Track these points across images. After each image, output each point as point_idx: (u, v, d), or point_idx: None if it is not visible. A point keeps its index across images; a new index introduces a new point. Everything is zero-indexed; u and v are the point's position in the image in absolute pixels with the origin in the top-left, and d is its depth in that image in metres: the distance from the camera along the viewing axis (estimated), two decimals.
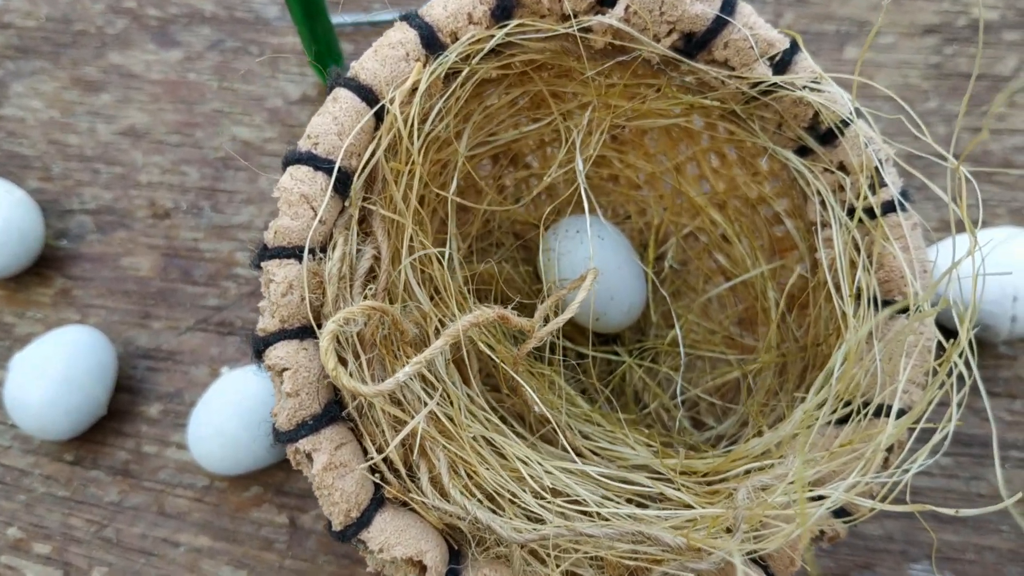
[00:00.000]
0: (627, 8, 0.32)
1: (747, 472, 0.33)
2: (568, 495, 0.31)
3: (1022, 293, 0.45)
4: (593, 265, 0.37)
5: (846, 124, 0.33)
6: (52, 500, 0.50)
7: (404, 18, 0.32)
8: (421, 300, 0.34)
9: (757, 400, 0.42)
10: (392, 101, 0.31)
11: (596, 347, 0.46)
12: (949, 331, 0.49)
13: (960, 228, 0.53)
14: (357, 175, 0.31)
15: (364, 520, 0.29)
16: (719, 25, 0.32)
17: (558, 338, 0.40)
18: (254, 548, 0.48)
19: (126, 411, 0.52)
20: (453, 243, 0.39)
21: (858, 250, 0.34)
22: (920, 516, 0.46)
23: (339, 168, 0.30)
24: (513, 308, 0.33)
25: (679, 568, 0.29)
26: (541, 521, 0.30)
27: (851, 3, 0.62)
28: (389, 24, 0.33)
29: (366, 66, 0.31)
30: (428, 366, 0.33)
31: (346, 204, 0.32)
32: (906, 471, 0.28)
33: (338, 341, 0.30)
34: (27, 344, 0.49)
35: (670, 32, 0.33)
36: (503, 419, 0.37)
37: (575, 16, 0.33)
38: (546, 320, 0.34)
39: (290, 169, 0.30)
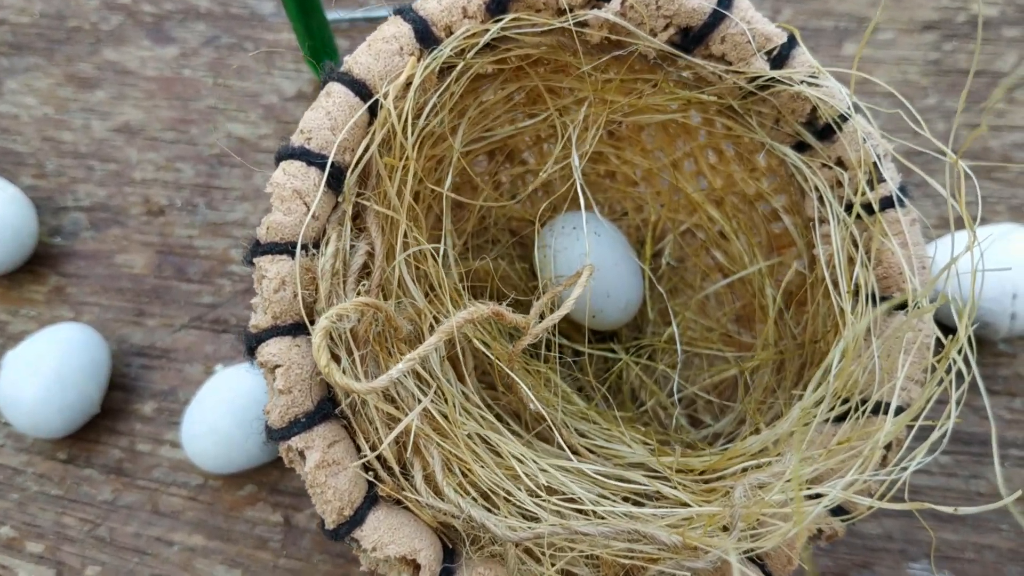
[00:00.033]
0: (623, 2, 0.32)
1: (744, 470, 0.32)
2: (564, 493, 0.31)
3: (1022, 290, 0.45)
4: (589, 261, 0.36)
5: (844, 119, 0.33)
6: (45, 499, 0.50)
7: (398, 12, 0.32)
8: (416, 297, 0.34)
9: (755, 398, 0.41)
10: (386, 96, 0.31)
11: (592, 344, 0.46)
12: (949, 329, 0.48)
13: (959, 225, 0.53)
14: (351, 170, 0.31)
15: (357, 518, 0.29)
16: (716, 19, 0.32)
17: (554, 335, 0.39)
18: (248, 547, 0.47)
19: (120, 409, 0.52)
20: (448, 240, 0.39)
21: (856, 246, 0.33)
22: (919, 515, 0.46)
23: (332, 163, 0.30)
24: (509, 305, 0.32)
25: (675, 567, 0.29)
26: (536, 519, 0.30)
27: None
28: (385, 19, 0.33)
29: (360, 60, 0.31)
30: (422, 363, 0.33)
31: (340, 200, 0.31)
32: (904, 469, 0.28)
33: (331, 338, 0.30)
34: (20, 342, 0.49)
35: (667, 26, 0.33)
36: (498, 417, 0.37)
37: (571, 10, 0.32)
38: (541, 317, 0.34)
39: (283, 164, 0.30)
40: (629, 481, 0.33)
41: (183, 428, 0.46)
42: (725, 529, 0.29)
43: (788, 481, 0.29)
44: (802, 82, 0.33)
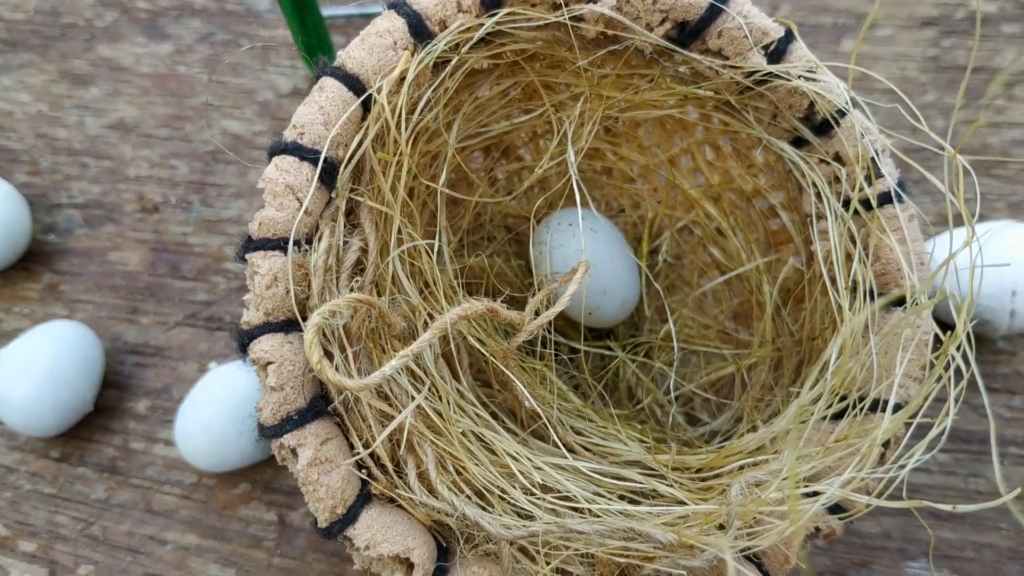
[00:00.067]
0: None
1: (741, 468, 0.32)
2: (559, 491, 0.31)
3: (1021, 287, 0.45)
4: (585, 258, 0.36)
5: (842, 114, 0.32)
6: (38, 497, 0.49)
7: (392, 6, 0.32)
8: (410, 293, 0.33)
9: (752, 395, 0.41)
10: (379, 90, 0.31)
11: (589, 342, 0.45)
12: (948, 326, 0.48)
13: (958, 222, 0.53)
14: (344, 165, 0.31)
15: (350, 517, 0.29)
16: (713, 14, 0.32)
17: (550, 332, 0.39)
18: (242, 546, 0.47)
19: (113, 407, 0.52)
20: (443, 236, 0.39)
21: (854, 243, 0.33)
22: (918, 513, 0.45)
23: (325, 158, 0.30)
24: (504, 302, 0.32)
25: (671, 565, 0.29)
26: (531, 518, 0.30)
27: None
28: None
29: (353, 55, 0.31)
30: (416, 360, 0.33)
31: (333, 195, 0.31)
32: (902, 467, 0.28)
33: (324, 335, 0.29)
34: (13, 340, 0.49)
35: (663, 21, 0.33)
36: (494, 415, 0.37)
37: (566, 5, 0.32)
38: (537, 313, 0.34)
39: (275, 159, 0.30)
40: (625, 479, 0.33)
41: (176, 426, 0.46)
42: (721, 527, 0.29)
43: (785, 479, 0.29)
44: (799, 77, 0.32)
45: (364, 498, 0.29)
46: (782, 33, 0.32)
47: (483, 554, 0.30)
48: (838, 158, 0.34)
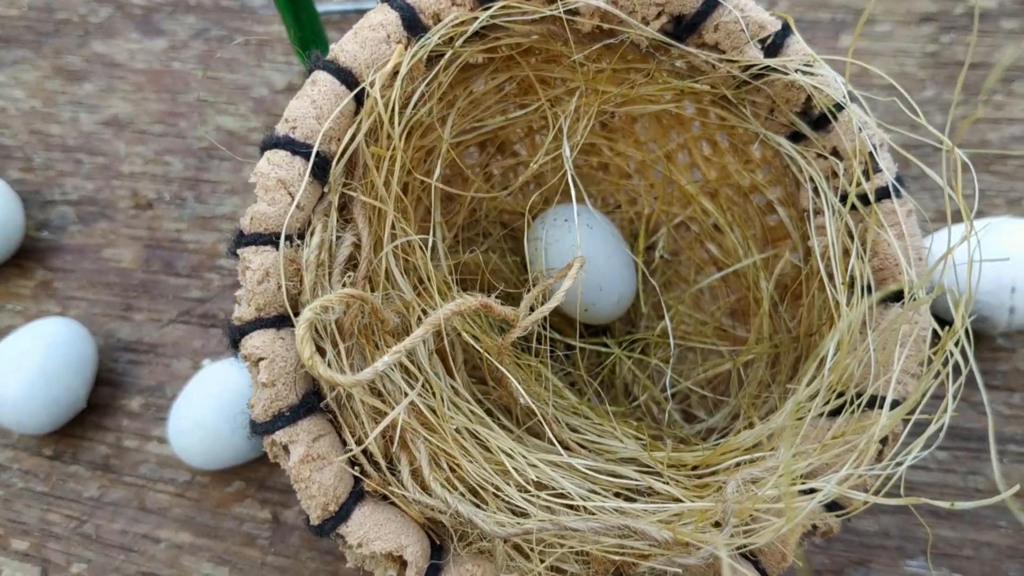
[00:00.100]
0: None
1: (737, 465, 0.32)
2: (554, 489, 0.31)
3: (1020, 284, 0.44)
4: (580, 254, 0.36)
5: (839, 108, 0.32)
6: (30, 495, 0.49)
7: (385, 0, 0.31)
8: (403, 289, 0.33)
9: (749, 392, 0.41)
10: (372, 84, 0.30)
11: (585, 339, 0.45)
12: (947, 323, 0.48)
13: (957, 218, 0.52)
14: (336, 160, 0.30)
15: (343, 514, 0.29)
16: (709, 7, 0.32)
17: (545, 328, 0.39)
18: (236, 544, 0.47)
19: (107, 405, 0.51)
20: (438, 232, 0.39)
21: (852, 238, 0.33)
22: (916, 511, 0.45)
23: (317, 153, 0.29)
24: (499, 298, 0.32)
25: (666, 563, 0.28)
26: (526, 515, 0.29)
27: None
28: None
29: (346, 48, 0.31)
30: (409, 356, 0.32)
31: (325, 190, 0.31)
32: (900, 464, 0.28)
33: (316, 330, 0.29)
34: (5, 337, 0.48)
35: (659, 14, 0.32)
36: (489, 412, 0.37)
37: None
38: (532, 309, 0.33)
39: (267, 154, 0.29)
40: (620, 476, 0.33)
41: (169, 424, 0.46)
42: (717, 525, 0.29)
43: (781, 476, 0.28)
44: (797, 71, 0.32)
45: (357, 495, 0.29)
46: (779, 27, 0.32)
47: (477, 552, 0.30)
48: (836, 153, 0.33)
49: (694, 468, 0.34)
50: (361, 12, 0.62)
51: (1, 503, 0.49)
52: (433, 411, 0.31)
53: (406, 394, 0.30)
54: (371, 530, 0.28)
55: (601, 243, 0.41)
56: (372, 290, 0.32)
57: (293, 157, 0.29)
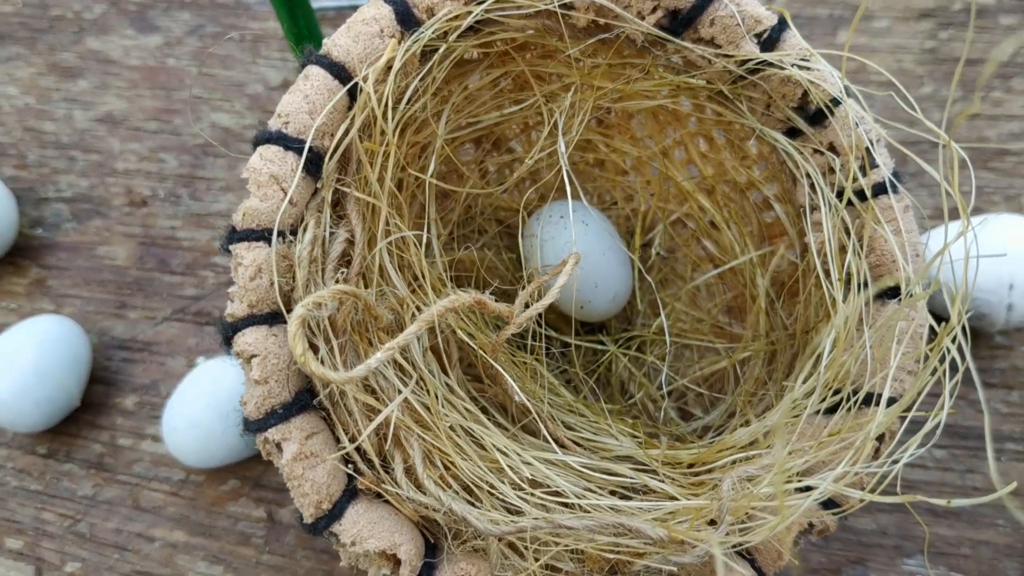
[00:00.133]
0: None
1: (733, 463, 0.32)
2: (548, 487, 0.30)
3: (1018, 281, 0.44)
4: (576, 250, 0.36)
5: (836, 103, 0.32)
6: (24, 494, 0.49)
7: None
8: (397, 285, 0.33)
9: (745, 389, 0.41)
10: (366, 79, 0.30)
11: (581, 336, 0.45)
12: (945, 320, 0.48)
13: (954, 215, 0.52)
14: (329, 155, 0.30)
15: (336, 512, 0.28)
16: (705, 1, 0.31)
17: (540, 326, 0.39)
18: (231, 543, 0.46)
19: (101, 403, 0.51)
20: (433, 228, 0.38)
21: (848, 234, 0.33)
22: (914, 510, 0.45)
23: (310, 148, 0.29)
24: (493, 295, 0.32)
25: (661, 561, 0.28)
26: (520, 513, 0.29)
27: None
28: None
29: (339, 43, 0.30)
30: (403, 353, 0.32)
31: (318, 186, 0.31)
32: (896, 462, 0.27)
33: (309, 327, 0.29)
34: None
35: (655, 9, 0.32)
36: (484, 409, 0.36)
37: None
38: (526, 306, 0.33)
39: (260, 149, 0.29)
40: (616, 474, 0.32)
41: (164, 422, 0.45)
42: (713, 523, 0.28)
43: (776, 474, 0.28)
44: (793, 65, 0.32)
45: (350, 493, 0.29)
46: (775, 21, 0.32)
47: (471, 550, 0.30)
48: (832, 148, 0.33)
49: (690, 466, 0.34)
50: (356, 8, 0.62)
51: None
52: (427, 408, 0.31)
53: (400, 391, 0.30)
54: (365, 528, 0.28)
55: (597, 240, 0.41)
56: (366, 287, 0.32)
57: (286, 152, 0.29)
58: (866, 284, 0.32)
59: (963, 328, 0.27)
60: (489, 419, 0.35)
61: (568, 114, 0.38)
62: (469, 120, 0.40)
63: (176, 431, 0.45)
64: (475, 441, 0.32)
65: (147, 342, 0.53)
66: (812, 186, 0.34)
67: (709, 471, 0.33)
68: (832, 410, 0.31)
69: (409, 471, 0.30)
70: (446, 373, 0.35)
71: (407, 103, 0.33)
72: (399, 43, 0.31)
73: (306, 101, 0.30)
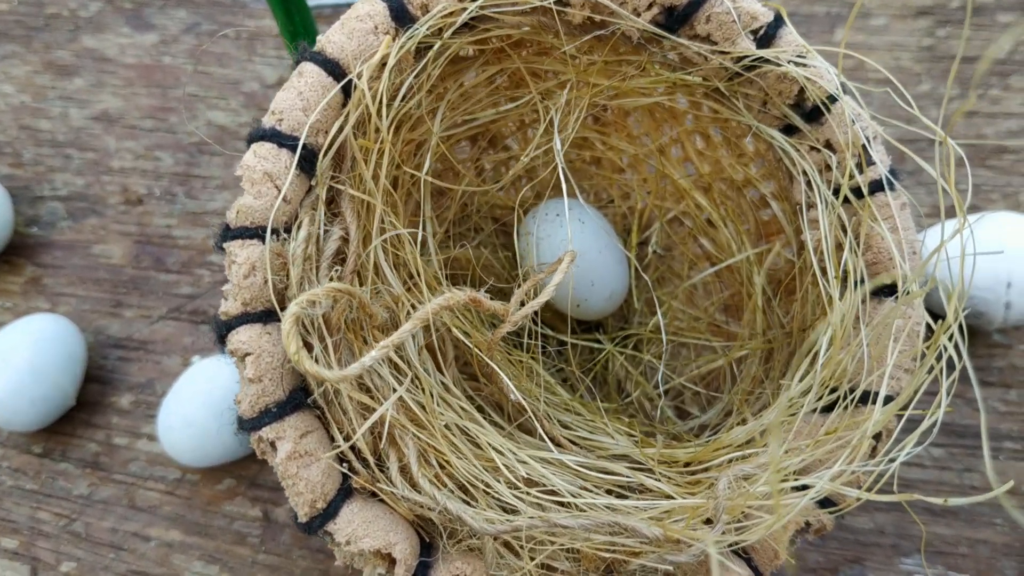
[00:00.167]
0: None
1: (729, 461, 0.32)
2: (544, 485, 0.30)
3: (1016, 279, 0.44)
4: (571, 248, 0.35)
5: (833, 100, 0.32)
6: (20, 493, 0.49)
7: None
8: (392, 283, 0.33)
9: (742, 388, 0.41)
10: (360, 76, 0.30)
11: (577, 335, 0.45)
12: (942, 319, 0.47)
13: (951, 213, 0.52)
14: (323, 153, 0.30)
15: (331, 511, 0.28)
16: None
17: (537, 324, 0.39)
18: (227, 542, 0.46)
19: (96, 402, 0.51)
20: (428, 226, 0.38)
21: (845, 231, 0.33)
22: (911, 509, 0.45)
23: (304, 145, 0.29)
24: (489, 293, 0.32)
25: (657, 560, 0.28)
26: (516, 512, 0.29)
27: None
28: None
29: (333, 39, 0.30)
30: (398, 351, 0.32)
31: (313, 183, 0.30)
32: (893, 460, 0.27)
33: (303, 325, 0.29)
34: None
35: (650, 5, 0.32)
36: (479, 408, 0.36)
37: None
38: (522, 304, 0.33)
39: (254, 146, 0.29)
40: (612, 473, 0.32)
41: (159, 420, 0.45)
42: (709, 522, 0.28)
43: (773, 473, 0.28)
44: (789, 62, 0.32)
45: (345, 492, 0.29)
46: (771, 18, 0.31)
47: (467, 549, 0.30)
48: (829, 145, 0.33)
49: (686, 465, 0.34)
50: (351, 5, 0.62)
51: None
52: (422, 407, 0.31)
53: (395, 390, 0.30)
54: (359, 527, 0.28)
55: (593, 238, 0.41)
56: (360, 284, 0.32)
57: (280, 149, 0.29)
58: (863, 282, 0.32)
59: (960, 326, 0.27)
60: (485, 418, 0.34)
61: (564, 111, 0.38)
62: (465, 117, 0.40)
63: (172, 430, 0.44)
64: (470, 440, 0.32)
65: (143, 341, 0.53)
66: (809, 183, 0.34)
67: (705, 470, 0.33)
68: (829, 408, 0.31)
69: (404, 470, 0.30)
70: (441, 371, 0.35)
71: (402, 100, 0.32)
72: (394, 40, 0.31)
73: (300, 98, 0.29)
